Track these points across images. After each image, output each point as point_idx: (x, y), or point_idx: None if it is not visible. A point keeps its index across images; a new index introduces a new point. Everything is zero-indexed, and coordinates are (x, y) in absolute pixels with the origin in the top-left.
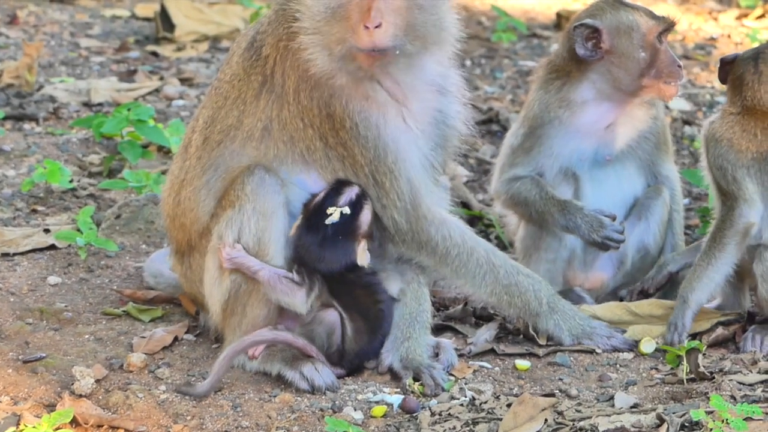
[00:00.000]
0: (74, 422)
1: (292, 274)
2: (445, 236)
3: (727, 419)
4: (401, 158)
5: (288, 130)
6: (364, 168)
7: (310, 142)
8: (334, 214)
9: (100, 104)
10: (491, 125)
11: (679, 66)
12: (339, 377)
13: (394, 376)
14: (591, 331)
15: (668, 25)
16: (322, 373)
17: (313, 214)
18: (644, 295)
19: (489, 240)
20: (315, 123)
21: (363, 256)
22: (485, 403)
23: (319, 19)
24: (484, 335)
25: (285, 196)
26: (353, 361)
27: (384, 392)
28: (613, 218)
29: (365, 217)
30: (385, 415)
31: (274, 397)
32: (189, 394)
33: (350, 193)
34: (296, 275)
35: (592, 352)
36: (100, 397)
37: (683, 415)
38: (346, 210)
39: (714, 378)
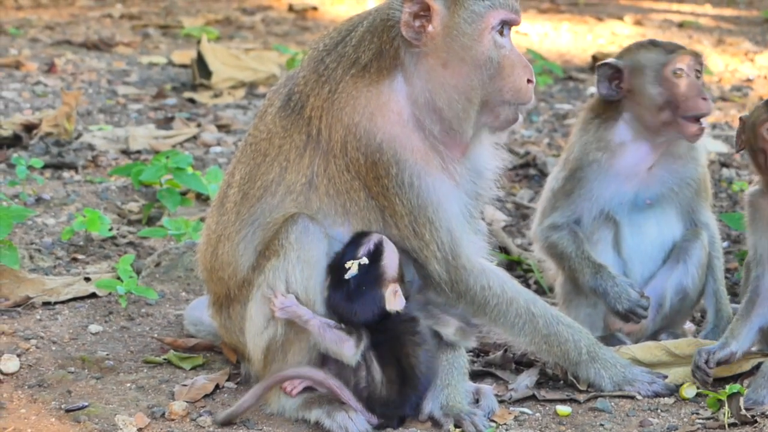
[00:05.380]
0: None
1: (342, 325)
2: (484, 286)
3: None
4: (442, 208)
5: (334, 183)
6: (404, 218)
7: (355, 193)
8: (352, 267)
9: (138, 152)
10: (528, 169)
11: (704, 98)
12: (375, 427)
13: (435, 424)
14: (632, 378)
15: (679, 57)
16: (356, 422)
17: (335, 270)
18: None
19: (528, 285)
20: (361, 173)
21: (393, 301)
22: None
23: (483, 75)
24: (525, 381)
25: (328, 244)
26: (383, 410)
27: None
28: (642, 294)
29: (388, 261)
30: None
31: None
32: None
33: (369, 243)
34: (345, 326)
35: (632, 397)
36: None
37: None
38: (364, 260)
39: (756, 422)
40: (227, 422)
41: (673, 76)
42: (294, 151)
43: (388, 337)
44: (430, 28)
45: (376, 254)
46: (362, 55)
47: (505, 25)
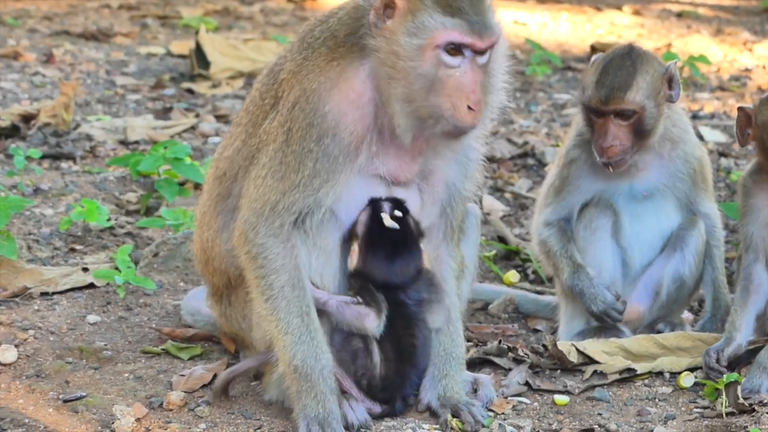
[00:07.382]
0: None
1: (358, 298)
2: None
3: None
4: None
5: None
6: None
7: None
8: (389, 220)
9: (136, 142)
10: (526, 159)
11: (604, 147)
12: (377, 416)
13: (433, 414)
14: None
15: (592, 100)
16: (356, 411)
17: (371, 230)
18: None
19: (526, 275)
20: (292, 129)
21: (426, 258)
22: None
23: (415, 87)
24: (516, 378)
25: (342, 234)
26: (383, 392)
27: (423, 429)
28: (618, 297)
29: (413, 216)
30: None
31: None
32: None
33: (388, 201)
34: (361, 299)
35: (629, 383)
36: None
37: None
38: (398, 213)
39: (754, 410)
40: (225, 384)
41: (593, 115)
42: (261, 115)
43: (391, 316)
44: (388, 22)
45: (403, 209)
46: (341, 30)
47: (464, 47)
